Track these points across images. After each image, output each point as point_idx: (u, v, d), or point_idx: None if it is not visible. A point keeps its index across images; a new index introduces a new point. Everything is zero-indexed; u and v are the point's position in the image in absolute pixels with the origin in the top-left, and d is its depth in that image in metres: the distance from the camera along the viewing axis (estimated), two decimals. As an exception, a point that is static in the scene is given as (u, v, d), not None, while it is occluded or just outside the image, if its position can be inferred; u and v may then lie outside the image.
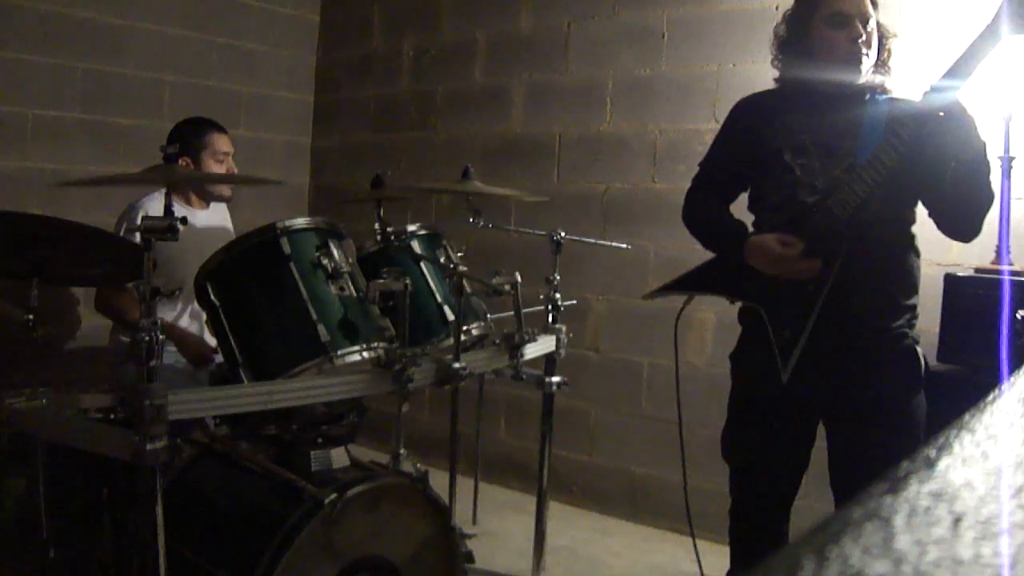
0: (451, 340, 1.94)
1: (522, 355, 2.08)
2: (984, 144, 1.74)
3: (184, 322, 2.70)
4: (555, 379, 2.35)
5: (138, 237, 1.50)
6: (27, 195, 3.15)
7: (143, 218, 1.47)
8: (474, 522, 2.76)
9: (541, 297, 2.33)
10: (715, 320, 3.15)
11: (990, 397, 0.42)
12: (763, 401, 1.96)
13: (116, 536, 1.79)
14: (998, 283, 2.19)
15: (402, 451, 2.46)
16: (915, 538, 0.28)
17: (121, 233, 2.55)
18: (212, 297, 1.80)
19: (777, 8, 2.99)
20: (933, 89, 1.68)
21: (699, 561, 2.31)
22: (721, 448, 2.11)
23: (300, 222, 1.85)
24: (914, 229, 1.93)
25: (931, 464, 0.33)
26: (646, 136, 3.33)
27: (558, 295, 2.32)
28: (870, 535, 0.28)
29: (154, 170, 1.70)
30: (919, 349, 1.90)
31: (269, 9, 4.19)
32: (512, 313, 2.08)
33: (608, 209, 3.44)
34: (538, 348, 2.21)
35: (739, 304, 2.06)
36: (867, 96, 1.87)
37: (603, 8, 3.44)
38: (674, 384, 3.25)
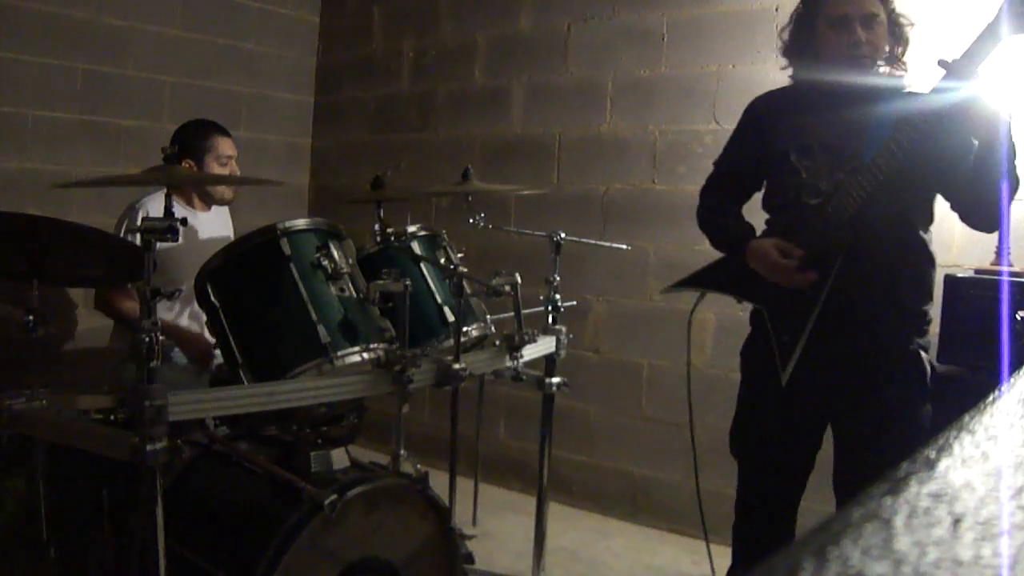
0: (451, 341, 1.94)
1: (522, 356, 2.08)
2: (1000, 132, 1.68)
3: (184, 323, 2.70)
4: (555, 380, 2.35)
5: (138, 238, 1.50)
6: (27, 196, 3.15)
7: (143, 219, 1.47)
8: (474, 523, 2.76)
9: (541, 298, 2.34)
10: (715, 321, 3.15)
11: (990, 398, 0.42)
12: (765, 401, 1.97)
13: (116, 537, 1.79)
14: (998, 284, 2.19)
15: (402, 452, 2.46)
16: (915, 539, 0.28)
17: (121, 234, 2.55)
18: (212, 298, 1.80)
19: (777, 9, 2.99)
20: (934, 91, 1.67)
21: (712, 564, 2.30)
22: (728, 442, 2.11)
23: (300, 223, 1.85)
24: (925, 234, 1.89)
25: (931, 465, 0.33)
26: (646, 137, 3.33)
27: (558, 296, 2.32)
28: (870, 536, 0.28)
29: (154, 171, 1.70)
30: (925, 356, 1.86)
31: (269, 10, 4.19)
32: (512, 314, 2.08)
33: (608, 210, 3.44)
34: (538, 349, 2.21)
35: (746, 303, 2.07)
36: (878, 96, 1.82)
37: (603, 9, 3.44)
38: (674, 385, 3.26)
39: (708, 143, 3.18)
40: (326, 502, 1.64)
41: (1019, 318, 2.14)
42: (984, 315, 2.12)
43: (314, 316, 1.74)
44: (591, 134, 3.49)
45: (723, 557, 2.30)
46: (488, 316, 2.25)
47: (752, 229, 2.00)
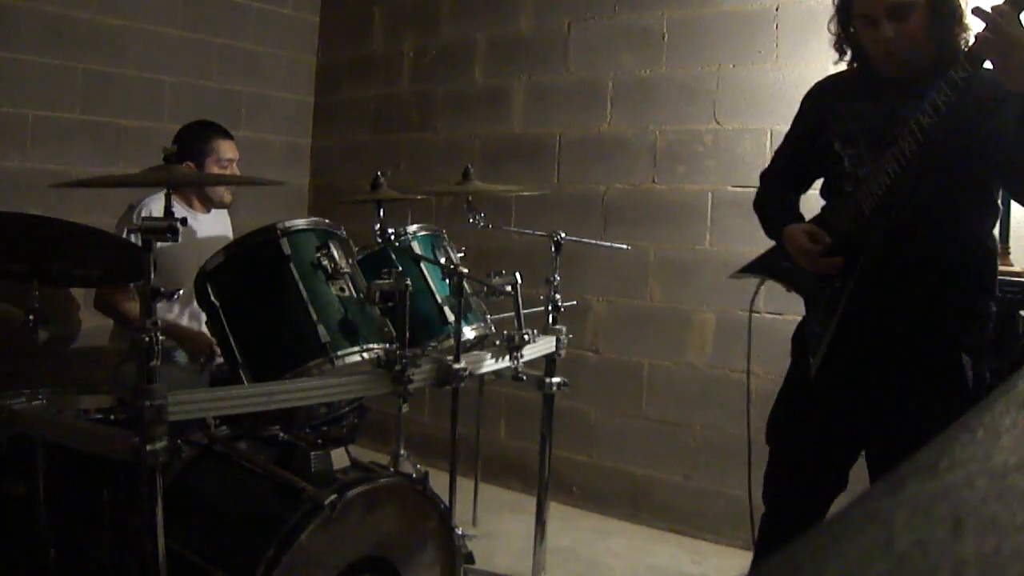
0: (451, 341, 1.94)
1: (522, 356, 2.08)
2: None
3: (184, 323, 2.70)
4: (555, 380, 2.35)
5: (138, 238, 1.50)
6: (27, 196, 3.15)
7: (143, 219, 1.47)
8: (474, 523, 2.76)
9: (541, 298, 2.34)
10: (715, 321, 3.15)
11: (991, 397, 0.42)
12: (797, 389, 1.95)
13: (116, 537, 1.79)
14: (999, 284, 2.19)
15: (402, 452, 2.47)
16: (916, 538, 0.28)
17: (123, 234, 2.55)
18: (212, 298, 1.80)
19: (777, 9, 2.99)
20: (967, 56, 1.54)
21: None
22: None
23: (300, 223, 1.85)
24: (976, 223, 1.76)
25: (932, 464, 0.33)
26: (646, 137, 3.33)
27: (558, 296, 2.32)
28: (871, 535, 0.28)
29: (154, 171, 1.70)
30: (968, 362, 1.71)
31: (269, 10, 4.19)
32: (512, 314, 2.08)
33: (608, 210, 3.44)
34: (538, 349, 2.21)
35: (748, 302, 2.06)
36: (925, 83, 1.65)
37: (603, 9, 3.44)
38: (674, 385, 3.26)
39: (708, 143, 3.18)
40: (326, 502, 1.64)
41: (1020, 317, 2.14)
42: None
43: (314, 316, 1.74)
44: (591, 134, 3.49)
45: (724, 557, 2.30)
46: (488, 316, 2.25)
47: (795, 216, 1.96)
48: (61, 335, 3.34)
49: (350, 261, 1.89)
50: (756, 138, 3.05)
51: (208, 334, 2.58)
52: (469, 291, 1.93)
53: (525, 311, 2.08)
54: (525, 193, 3.45)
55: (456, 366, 1.87)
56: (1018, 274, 2.28)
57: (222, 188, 2.80)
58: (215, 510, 1.92)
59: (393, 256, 2.11)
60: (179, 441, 1.53)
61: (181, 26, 3.80)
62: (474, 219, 2.33)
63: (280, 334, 1.78)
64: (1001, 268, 2.31)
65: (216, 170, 2.71)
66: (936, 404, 1.67)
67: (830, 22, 1.86)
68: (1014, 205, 2.38)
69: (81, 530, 1.84)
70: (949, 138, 1.60)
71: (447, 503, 1.96)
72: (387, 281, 1.81)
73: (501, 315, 2.30)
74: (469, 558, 2.32)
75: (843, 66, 1.90)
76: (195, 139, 2.70)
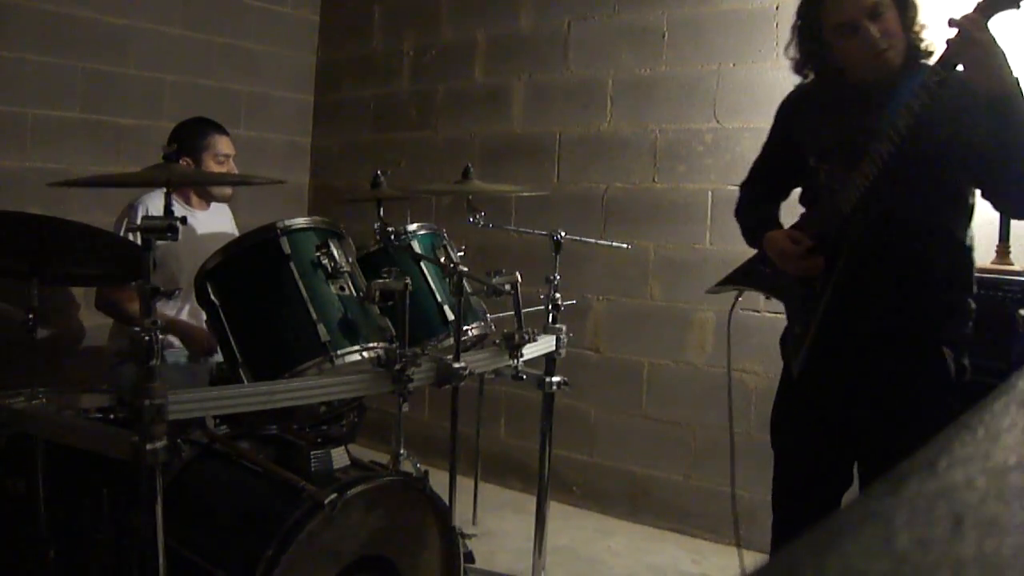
0: (451, 340, 1.93)
1: (522, 355, 2.07)
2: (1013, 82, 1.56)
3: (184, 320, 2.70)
4: (555, 379, 2.35)
5: (138, 237, 1.50)
6: (27, 195, 3.15)
7: (143, 218, 1.47)
8: (474, 522, 2.76)
9: (541, 297, 2.33)
10: (715, 320, 3.15)
11: (991, 396, 0.42)
12: (787, 391, 1.98)
13: (116, 536, 1.79)
14: (999, 283, 2.19)
15: (402, 451, 2.47)
16: (916, 537, 0.28)
17: (121, 232, 2.56)
18: (212, 297, 1.80)
19: (777, 8, 2.99)
20: (941, 60, 1.59)
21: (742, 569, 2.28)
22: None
23: (300, 222, 1.85)
24: (951, 222, 1.78)
25: (932, 463, 0.33)
26: (646, 136, 3.33)
27: (558, 295, 2.31)
28: (871, 534, 0.28)
29: (154, 170, 1.70)
30: (950, 354, 1.75)
31: (269, 9, 4.19)
32: (512, 313, 2.08)
33: (608, 209, 3.44)
34: (538, 348, 2.21)
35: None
36: (899, 89, 1.70)
37: (603, 8, 3.44)
38: (674, 384, 3.26)
39: (708, 142, 3.18)
40: (326, 501, 1.64)
41: (1020, 317, 2.14)
42: (985, 314, 2.12)
43: (314, 315, 1.74)
44: (591, 133, 3.49)
45: (723, 556, 2.30)
46: (488, 315, 2.25)
47: (773, 223, 1.99)
48: (61, 334, 3.34)
49: (350, 260, 1.89)
50: (756, 137, 3.04)
51: (206, 330, 2.58)
52: (469, 290, 1.93)
53: (525, 310, 2.08)
54: (525, 194, 3.45)
55: (456, 365, 1.87)
56: (1018, 273, 2.28)
57: None
58: (215, 509, 1.92)
59: (393, 255, 2.11)
60: (179, 440, 1.53)
61: (181, 25, 3.80)
62: (474, 218, 2.32)
63: (280, 333, 1.78)
64: (1001, 268, 2.32)
65: (213, 165, 2.71)
66: (921, 396, 1.71)
67: (788, 47, 1.87)
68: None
69: (81, 530, 1.84)
70: (923, 140, 1.62)
71: (447, 502, 1.96)
72: (387, 280, 1.80)
73: (501, 314, 2.30)
74: (469, 557, 2.32)
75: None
76: (191, 135, 2.70)
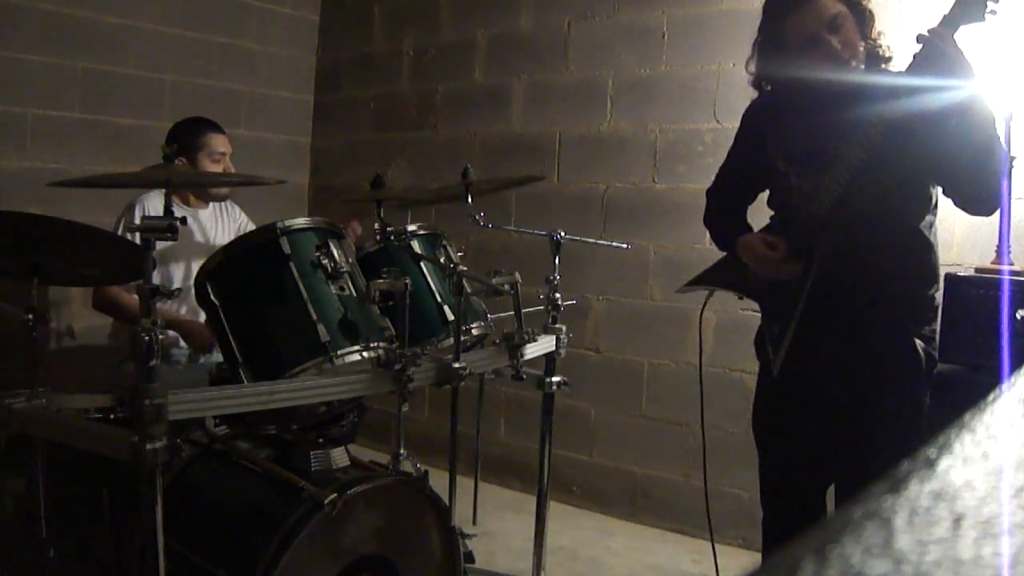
0: (451, 340, 1.93)
1: (522, 355, 2.07)
2: (976, 100, 1.65)
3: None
4: (555, 379, 2.35)
5: (138, 237, 1.50)
6: (26, 194, 3.15)
7: (143, 218, 1.47)
8: (474, 522, 2.75)
9: (541, 297, 2.33)
10: (715, 320, 3.15)
11: (990, 397, 0.42)
12: (766, 391, 2.02)
13: (116, 536, 1.79)
14: (998, 283, 2.19)
15: (402, 451, 2.46)
16: (916, 538, 0.28)
17: (120, 232, 2.56)
18: (212, 297, 1.80)
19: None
20: (910, 68, 1.66)
21: (716, 564, 2.30)
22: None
23: (300, 222, 1.85)
24: (919, 221, 1.84)
25: (932, 464, 0.33)
26: (646, 136, 3.33)
27: (558, 295, 2.31)
28: (871, 535, 0.28)
29: (153, 170, 1.70)
30: (923, 347, 1.83)
31: (269, 9, 4.19)
32: (512, 313, 2.08)
33: (608, 209, 3.44)
34: (538, 348, 2.21)
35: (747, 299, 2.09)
36: (863, 93, 1.76)
37: (603, 8, 3.44)
38: (674, 384, 3.26)
39: (708, 142, 3.18)
40: (326, 501, 1.64)
41: (1019, 317, 2.14)
42: (984, 314, 2.12)
43: (314, 315, 1.74)
44: (591, 133, 3.49)
45: (724, 556, 2.30)
46: (488, 315, 2.25)
47: (745, 227, 2.03)
48: (61, 334, 3.34)
49: (350, 260, 1.89)
50: (756, 137, 3.05)
51: (204, 325, 2.58)
52: (469, 290, 1.93)
53: (525, 310, 2.08)
54: (525, 190, 3.45)
55: (456, 365, 1.87)
56: (1018, 273, 2.28)
57: None
58: (215, 509, 1.92)
59: (393, 255, 2.11)
60: (179, 440, 1.53)
61: (181, 25, 3.79)
62: (474, 218, 2.32)
63: (280, 333, 1.78)
64: (1001, 267, 2.32)
65: (208, 163, 2.71)
66: (896, 385, 1.80)
67: (748, 62, 1.95)
68: (1014, 206, 2.39)
69: (81, 530, 1.84)
70: (893, 146, 1.67)
71: (447, 502, 1.96)
72: (387, 280, 1.80)
73: (501, 314, 2.30)
74: (469, 557, 2.32)
75: None
76: (186, 134, 2.70)
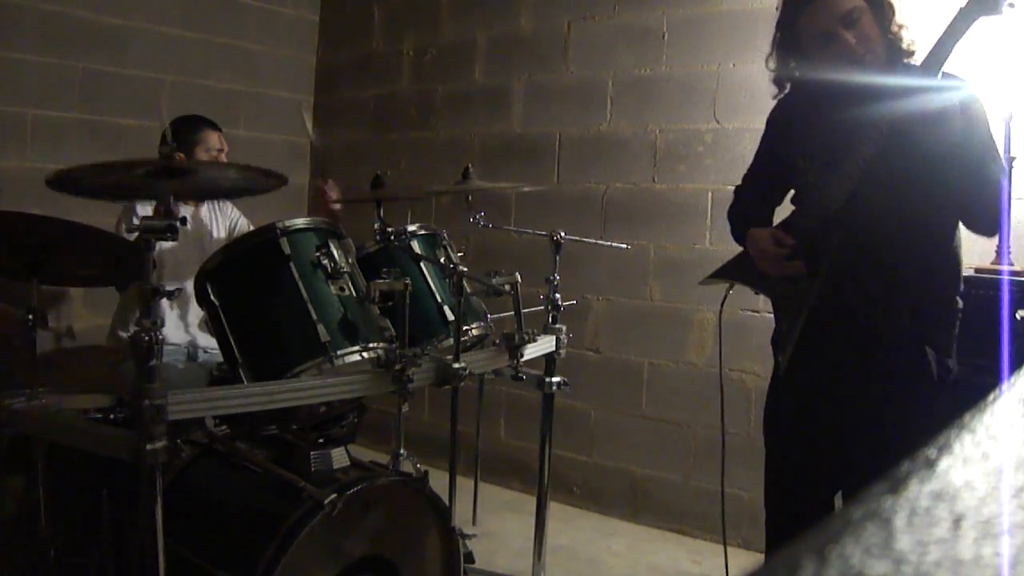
0: (451, 340, 1.93)
1: (522, 355, 2.07)
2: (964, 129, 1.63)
3: (173, 319, 2.69)
4: (555, 379, 2.35)
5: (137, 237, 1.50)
6: (26, 195, 3.14)
7: (142, 218, 1.47)
8: (474, 522, 2.76)
9: (541, 297, 2.33)
10: (715, 320, 3.15)
11: (990, 397, 0.42)
12: (776, 388, 1.99)
13: (116, 537, 1.79)
14: (998, 283, 2.19)
15: (402, 451, 2.47)
16: (916, 538, 0.28)
17: (121, 233, 2.55)
18: (212, 297, 1.80)
19: (777, 8, 2.99)
20: (923, 66, 1.64)
21: (727, 566, 2.27)
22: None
23: (300, 222, 1.85)
24: (938, 226, 1.79)
25: (932, 464, 0.33)
26: (646, 136, 3.33)
27: (558, 295, 2.31)
28: (871, 535, 0.28)
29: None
30: (933, 355, 1.76)
31: (269, 9, 4.19)
32: (512, 313, 2.08)
33: (608, 209, 3.44)
34: (538, 348, 2.21)
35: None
36: (879, 89, 1.71)
37: (603, 8, 3.44)
38: (674, 384, 3.26)
39: (709, 142, 3.18)
40: (326, 501, 1.64)
41: (1019, 317, 2.14)
42: (984, 314, 2.12)
43: (314, 315, 1.74)
44: (591, 133, 3.49)
45: (721, 557, 2.29)
46: (488, 315, 2.25)
47: (762, 222, 2.00)
48: (61, 334, 3.34)
49: (350, 260, 1.89)
50: (756, 137, 3.02)
51: (204, 341, 2.58)
52: (469, 290, 1.93)
53: (525, 310, 2.08)
54: (526, 190, 3.45)
55: (456, 365, 1.87)
56: (1018, 273, 2.28)
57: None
58: (215, 509, 1.92)
59: (393, 255, 2.11)
60: (179, 440, 1.53)
61: (180, 25, 3.79)
62: (474, 218, 2.33)
63: (280, 333, 1.78)
64: (1001, 268, 2.32)
65: (205, 159, 2.72)
66: (901, 396, 1.73)
67: (768, 59, 1.90)
68: (1014, 206, 2.39)
69: (81, 530, 1.84)
70: (900, 143, 1.65)
71: (447, 502, 1.96)
72: (387, 280, 1.81)
73: (501, 314, 2.30)
74: (469, 558, 2.32)
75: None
76: (183, 131, 2.70)
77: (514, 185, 3.33)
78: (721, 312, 2.20)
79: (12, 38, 3.26)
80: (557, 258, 2.35)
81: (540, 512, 2.43)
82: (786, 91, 1.94)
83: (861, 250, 1.76)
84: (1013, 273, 2.28)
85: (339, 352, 1.74)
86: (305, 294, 1.76)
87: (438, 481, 2.01)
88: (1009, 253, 2.36)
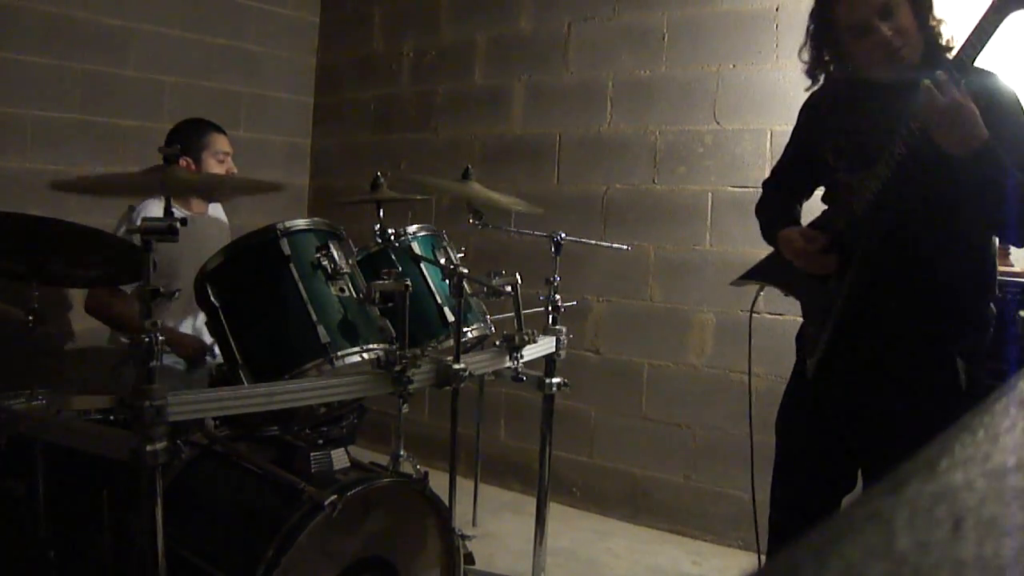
0: (451, 341, 1.94)
1: (522, 356, 2.08)
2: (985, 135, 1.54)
3: (182, 323, 2.70)
4: (555, 380, 2.35)
5: (137, 238, 1.50)
6: (26, 196, 3.15)
7: (142, 219, 1.47)
8: (474, 523, 2.75)
9: (541, 298, 2.34)
10: (715, 321, 3.15)
11: (992, 398, 0.42)
12: (798, 389, 1.96)
13: (116, 538, 1.79)
14: (1004, 285, 2.19)
15: (402, 452, 2.46)
16: (916, 539, 0.28)
17: (120, 233, 2.55)
18: (212, 298, 1.80)
19: (777, 9, 2.99)
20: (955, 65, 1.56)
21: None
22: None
23: (300, 223, 1.85)
24: (973, 229, 1.74)
25: (932, 465, 0.33)
26: (646, 137, 3.33)
27: (558, 296, 2.32)
28: (871, 536, 0.28)
29: (154, 171, 1.70)
30: (962, 365, 1.71)
31: (269, 10, 4.19)
32: (512, 314, 2.08)
33: (608, 210, 3.44)
34: (538, 349, 2.21)
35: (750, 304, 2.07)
36: (912, 85, 1.61)
37: (603, 9, 3.44)
38: (675, 385, 3.26)
39: (708, 143, 3.18)
40: (326, 502, 1.64)
41: (1020, 318, 2.14)
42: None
43: (314, 316, 1.74)
44: (591, 134, 3.49)
45: (724, 558, 2.29)
46: (488, 316, 2.25)
47: (795, 223, 1.97)
48: (61, 336, 3.34)
49: (350, 261, 1.89)
50: (756, 138, 3.06)
51: (200, 338, 2.59)
52: (469, 291, 1.93)
53: (525, 311, 2.08)
54: (521, 209, 3.45)
55: (456, 366, 1.87)
56: (1018, 274, 2.28)
57: None
58: (215, 510, 1.92)
59: (393, 256, 2.11)
60: (179, 441, 1.53)
61: (181, 26, 3.80)
62: (474, 220, 2.33)
63: (280, 334, 1.78)
64: (1001, 268, 2.31)
65: (213, 163, 2.72)
66: (928, 406, 1.67)
67: (801, 50, 1.84)
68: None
69: (81, 530, 1.84)
70: (931, 142, 1.58)
71: (447, 504, 1.96)
72: (387, 281, 1.81)
73: (501, 315, 2.30)
74: (469, 559, 2.32)
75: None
76: (189, 135, 2.70)
77: (512, 201, 3.33)
78: (752, 310, 2.18)
79: (12, 39, 3.26)
80: (557, 259, 2.35)
81: (540, 513, 2.43)
82: (819, 84, 1.88)
83: (891, 252, 1.72)
84: (1013, 274, 2.28)
85: (339, 353, 1.74)
86: (305, 295, 1.76)
87: (438, 482, 2.01)
88: (1010, 254, 2.36)
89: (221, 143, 2.76)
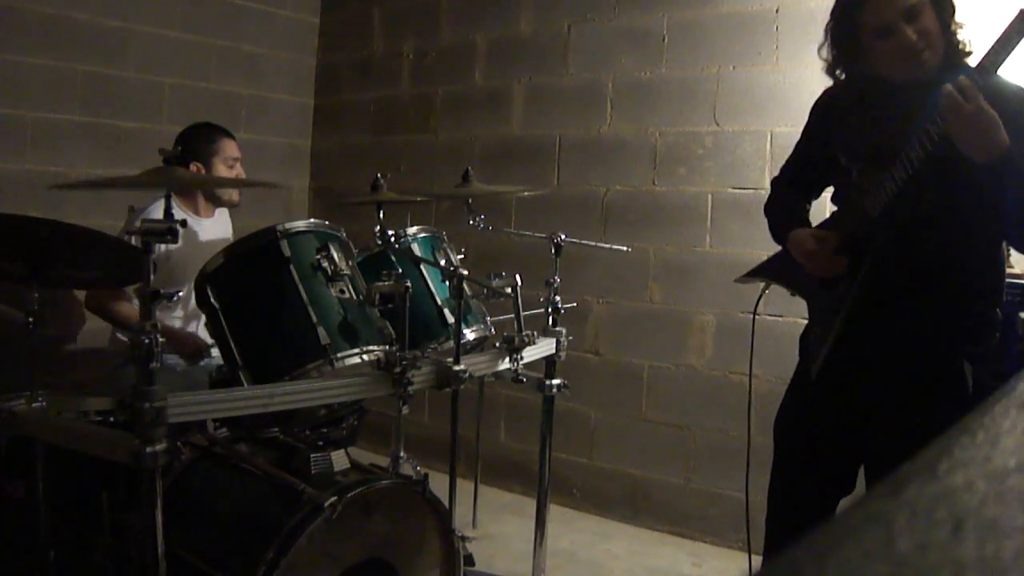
0: (451, 343, 1.94)
1: (522, 358, 2.08)
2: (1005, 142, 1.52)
3: (188, 327, 2.70)
4: (555, 382, 2.35)
5: (138, 240, 1.50)
6: (26, 197, 3.14)
7: (143, 220, 1.47)
8: (474, 525, 2.76)
9: (541, 300, 2.34)
10: (715, 323, 3.15)
11: (992, 399, 0.42)
12: (800, 390, 1.95)
13: (115, 539, 1.79)
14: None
15: (402, 454, 2.47)
16: (916, 541, 0.28)
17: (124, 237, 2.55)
18: (212, 300, 1.80)
19: (777, 10, 3.00)
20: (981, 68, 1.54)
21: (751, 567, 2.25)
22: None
23: (300, 225, 1.86)
24: (986, 234, 1.73)
25: (932, 467, 0.33)
26: (646, 138, 3.33)
27: (558, 298, 2.32)
28: (871, 537, 0.28)
29: (154, 173, 1.70)
30: (969, 369, 1.71)
31: (269, 11, 4.19)
32: (512, 316, 2.08)
33: (608, 211, 3.44)
34: (538, 351, 2.21)
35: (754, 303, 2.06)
36: (930, 88, 1.60)
37: (603, 10, 3.45)
38: (674, 387, 3.26)
39: (708, 144, 3.18)
40: (326, 504, 1.64)
41: (1020, 319, 2.14)
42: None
43: (314, 318, 1.74)
44: (591, 135, 3.49)
45: (724, 559, 2.30)
46: (488, 318, 2.25)
47: (801, 222, 1.96)
48: (61, 337, 3.34)
49: (350, 263, 1.89)
50: (756, 140, 3.06)
51: (198, 336, 2.59)
52: (469, 293, 1.94)
53: (525, 313, 2.08)
54: (526, 194, 3.45)
55: (456, 368, 1.87)
56: (1018, 276, 2.28)
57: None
58: (215, 512, 1.92)
59: (393, 258, 2.11)
60: (178, 443, 1.53)
61: (180, 28, 3.80)
62: (474, 221, 2.33)
63: (280, 336, 1.78)
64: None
65: (223, 169, 2.72)
66: (934, 410, 1.64)
67: (821, 48, 1.82)
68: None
69: (81, 531, 1.84)
70: (949, 147, 1.57)
71: (447, 505, 1.96)
72: (387, 283, 1.81)
73: (501, 317, 2.30)
74: (469, 560, 2.32)
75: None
76: (200, 140, 2.70)
77: (514, 189, 3.33)
78: (755, 310, 2.17)
79: (12, 40, 3.26)
80: (557, 261, 2.35)
81: (540, 514, 2.43)
82: (837, 82, 1.86)
83: (905, 254, 1.71)
84: (1013, 276, 2.28)
85: (339, 355, 1.74)
86: (305, 296, 1.76)
87: (438, 484, 2.01)
88: (1009, 256, 2.36)
89: (231, 148, 2.76)
